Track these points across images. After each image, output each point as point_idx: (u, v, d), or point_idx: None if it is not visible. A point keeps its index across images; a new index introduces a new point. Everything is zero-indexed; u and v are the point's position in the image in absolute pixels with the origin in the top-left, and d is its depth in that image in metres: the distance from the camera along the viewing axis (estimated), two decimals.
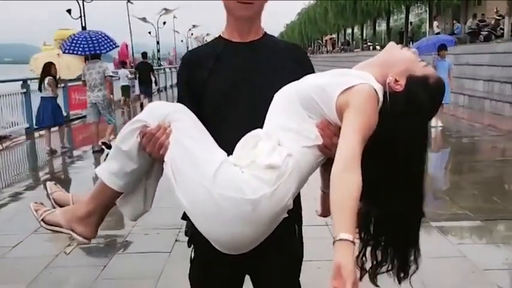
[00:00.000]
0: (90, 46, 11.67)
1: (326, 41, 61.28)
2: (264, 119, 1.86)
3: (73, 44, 11.98)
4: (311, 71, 2.03)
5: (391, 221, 1.79)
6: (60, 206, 2.10)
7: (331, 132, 1.77)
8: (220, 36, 2.10)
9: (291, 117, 1.80)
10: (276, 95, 1.87)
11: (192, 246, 2.11)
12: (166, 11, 52.28)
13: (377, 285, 1.83)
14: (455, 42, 13.42)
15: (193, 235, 2.01)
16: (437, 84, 1.83)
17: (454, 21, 28.58)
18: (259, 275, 2.10)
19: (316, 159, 1.82)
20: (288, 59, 2.04)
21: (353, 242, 1.46)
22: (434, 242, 4.94)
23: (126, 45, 23.63)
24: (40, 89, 11.33)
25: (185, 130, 1.84)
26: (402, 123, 1.74)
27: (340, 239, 1.44)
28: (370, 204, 1.77)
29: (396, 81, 1.78)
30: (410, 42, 34.01)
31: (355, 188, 1.54)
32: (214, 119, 1.97)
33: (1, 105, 13.54)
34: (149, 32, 53.82)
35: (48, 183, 2.22)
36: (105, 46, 11.99)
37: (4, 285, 4.34)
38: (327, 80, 1.81)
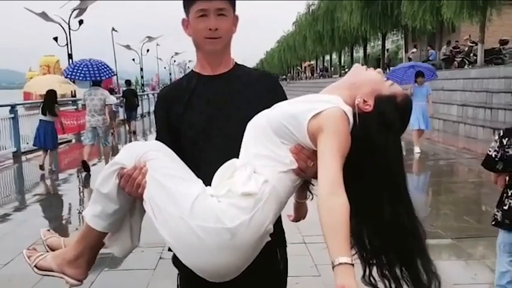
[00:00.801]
0: (91, 73, 12.18)
1: (305, 67, 62.12)
2: (239, 149, 1.89)
3: (75, 70, 12.51)
4: (283, 97, 2.08)
5: (385, 235, 1.79)
6: (54, 250, 2.15)
7: (305, 156, 1.80)
8: (192, 70, 2.17)
9: (264, 145, 1.82)
10: (248, 125, 1.89)
11: (177, 273, 2.15)
12: (150, 38, 52.74)
13: None
14: (434, 75, 13.53)
15: (179, 265, 1.99)
16: (405, 101, 1.87)
17: (429, 48, 29.35)
18: None
19: (293, 183, 1.84)
20: (259, 88, 2.07)
21: (352, 265, 1.48)
22: None
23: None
24: (44, 113, 12.04)
25: (160, 168, 1.86)
26: (375, 142, 1.77)
27: (340, 263, 1.47)
28: (360, 223, 1.77)
29: (365, 101, 1.82)
30: (387, 69, 34.86)
31: (344, 211, 1.56)
32: (192, 152, 2.02)
33: None
34: (133, 59, 54.27)
35: (42, 230, 2.26)
36: (105, 73, 12.59)
37: None
38: (296, 106, 1.84)
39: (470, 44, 23.60)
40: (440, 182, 9.85)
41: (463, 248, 5.60)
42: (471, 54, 22.87)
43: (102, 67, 12.59)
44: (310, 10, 53.08)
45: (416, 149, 11.94)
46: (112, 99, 12.12)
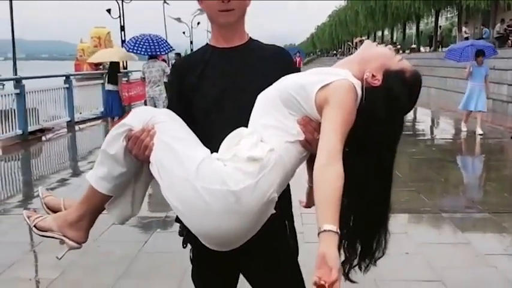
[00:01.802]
0: (152, 47, 13.08)
1: (356, 43, 61.22)
2: None
3: (136, 45, 13.40)
4: (296, 72, 2.06)
5: (364, 212, 1.82)
6: (51, 210, 2.15)
7: (312, 128, 1.80)
8: (207, 43, 2.16)
9: (273, 115, 1.83)
10: (258, 96, 1.90)
11: (190, 247, 2.14)
12: (201, 11, 52.72)
13: (352, 281, 1.85)
14: (495, 51, 13.11)
15: (187, 235, 2.03)
16: (414, 77, 1.86)
17: (482, 26, 28.60)
18: (252, 273, 2.12)
19: (300, 155, 1.84)
20: (273, 63, 2.06)
21: (337, 233, 1.50)
22: (445, 231, 5.52)
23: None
24: (109, 82, 13.46)
25: (168, 130, 1.88)
26: (381, 117, 1.78)
27: (324, 230, 1.49)
28: (347, 198, 1.72)
29: (373, 76, 1.82)
30: (440, 46, 34.13)
31: (337, 181, 1.58)
32: (203, 123, 2.01)
33: (45, 100, 14.36)
34: (183, 32, 54.75)
35: (40, 188, 2.28)
36: (164, 48, 13.64)
37: None
38: (305, 78, 1.85)
39: None
40: (485, 160, 9.85)
41: (498, 222, 5.73)
42: None
43: (162, 42, 13.53)
44: None
45: (478, 130, 11.52)
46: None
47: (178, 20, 52.03)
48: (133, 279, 4.49)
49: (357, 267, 1.86)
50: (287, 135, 1.80)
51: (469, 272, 4.50)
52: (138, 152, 1.87)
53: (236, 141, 1.82)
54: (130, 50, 13.88)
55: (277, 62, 2.08)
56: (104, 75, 14.29)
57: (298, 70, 2.08)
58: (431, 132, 13.92)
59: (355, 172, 1.72)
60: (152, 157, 1.85)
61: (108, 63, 14.57)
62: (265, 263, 2.06)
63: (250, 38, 2.13)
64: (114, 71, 13.78)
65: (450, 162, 9.43)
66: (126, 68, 25.74)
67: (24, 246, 5.21)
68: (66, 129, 14.90)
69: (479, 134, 11.44)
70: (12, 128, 12.33)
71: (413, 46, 44.03)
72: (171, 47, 14.46)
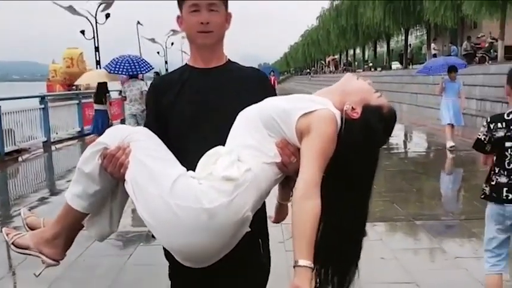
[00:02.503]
0: (132, 67, 13.57)
1: (329, 61, 62.08)
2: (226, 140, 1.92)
3: (117, 66, 13.76)
4: (273, 94, 2.13)
5: (338, 239, 1.84)
6: (33, 229, 2.16)
7: (289, 152, 1.84)
8: (186, 64, 2.21)
9: (251, 135, 1.85)
10: (239, 115, 1.93)
11: (168, 264, 2.16)
12: (174, 32, 53.31)
13: None
14: (466, 65, 13.42)
15: (166, 251, 2.03)
16: (390, 113, 1.94)
17: (451, 44, 29.39)
18: None
19: (275, 176, 1.87)
20: (250, 84, 2.11)
21: (311, 268, 1.62)
22: (418, 237, 5.77)
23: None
24: (97, 102, 14.24)
25: (143, 149, 1.89)
26: (356, 149, 1.83)
27: (299, 265, 1.61)
28: (323, 221, 1.77)
29: (353, 108, 1.88)
30: (410, 64, 34.86)
31: (313, 215, 1.66)
32: (179, 141, 2.03)
33: (21, 120, 14.34)
34: (158, 52, 55.03)
35: (22, 209, 2.30)
36: (144, 68, 14.10)
37: None
38: (288, 102, 1.89)
39: (491, 40, 23.65)
40: (456, 171, 10.16)
41: (468, 228, 5.98)
42: (492, 50, 22.92)
43: (142, 62, 14.03)
44: (334, 5, 53.19)
45: (450, 143, 11.61)
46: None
47: (153, 40, 52.41)
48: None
49: None
50: (264, 156, 1.83)
51: (441, 274, 4.74)
52: (113, 170, 1.88)
53: (213, 160, 1.83)
54: (112, 72, 14.09)
55: (253, 82, 2.13)
56: (93, 96, 14.95)
57: (274, 90, 2.20)
58: (404, 146, 14.23)
59: (331, 203, 1.76)
60: (127, 175, 1.86)
61: (81, 86, 15.26)
62: (236, 280, 2.07)
63: (229, 59, 2.19)
64: (101, 91, 14.37)
65: (422, 174, 9.71)
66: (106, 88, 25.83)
67: (9, 262, 5.28)
68: (42, 149, 14.89)
69: (450, 147, 11.62)
70: None
71: (385, 64, 44.93)
72: (151, 66, 14.75)
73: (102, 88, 14.47)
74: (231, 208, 1.74)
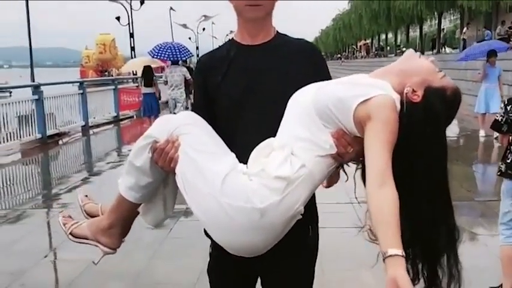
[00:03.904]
0: (174, 54, 14.78)
1: (360, 46, 61.79)
2: (274, 122, 1.86)
3: (160, 51, 15.13)
4: (326, 72, 2.03)
5: (419, 232, 1.72)
6: (90, 215, 2.20)
7: (345, 142, 1.76)
8: (232, 38, 2.11)
9: (305, 127, 1.77)
10: (290, 102, 1.85)
11: (210, 244, 2.12)
12: (206, 17, 53.83)
13: None
14: (509, 48, 12.94)
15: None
16: (454, 95, 1.80)
17: (484, 28, 29.04)
18: (271, 276, 2.09)
19: (328, 167, 1.81)
20: (300, 60, 2.01)
21: (403, 256, 1.46)
22: None
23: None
24: (146, 85, 14.90)
25: (193, 142, 1.85)
26: (418, 133, 1.71)
27: (390, 255, 1.45)
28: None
29: (414, 91, 1.74)
30: (443, 48, 34.52)
31: (394, 202, 1.54)
32: (227, 122, 1.99)
33: (61, 105, 14.96)
34: (189, 38, 55.61)
35: (79, 195, 2.31)
36: (184, 54, 15.37)
37: None
38: (344, 89, 1.78)
39: None
40: (483, 156, 10.37)
41: (491, 208, 6.18)
42: None
43: (183, 49, 15.28)
44: None
45: (482, 132, 11.52)
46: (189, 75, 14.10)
47: (184, 26, 52.94)
48: (164, 260, 5.06)
49: None
50: (319, 149, 1.76)
51: (461, 248, 5.00)
52: (163, 164, 1.87)
53: (265, 153, 1.79)
54: (155, 56, 15.42)
55: (304, 58, 2.02)
56: (140, 81, 15.76)
57: (326, 68, 2.06)
58: None
59: (406, 192, 1.64)
60: (177, 169, 1.85)
61: (113, 72, 16.02)
62: (281, 265, 2.03)
63: (278, 32, 2.07)
64: (148, 75, 15.18)
65: (450, 158, 9.89)
66: (135, 74, 26.49)
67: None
68: (81, 133, 15.49)
69: (484, 135, 11.45)
70: (32, 133, 12.88)
71: (417, 49, 44.53)
72: (191, 53, 15.88)
73: (148, 72, 15.27)
74: (282, 206, 1.72)
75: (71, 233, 2.11)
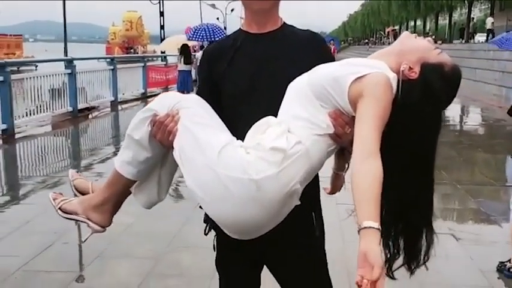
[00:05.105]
0: (208, 35, 16.03)
1: (388, 32, 61.23)
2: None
3: (196, 33, 16.35)
4: (329, 59, 1.99)
5: (403, 208, 1.75)
6: (81, 192, 2.16)
7: (343, 122, 1.75)
8: (240, 28, 2.12)
9: (303, 106, 1.77)
10: (289, 85, 1.85)
11: (214, 234, 2.12)
12: None
13: (394, 278, 1.77)
14: None
15: (210, 222, 2.03)
16: (453, 71, 1.77)
17: None
18: (275, 264, 2.10)
19: (327, 148, 1.79)
20: (306, 49, 2.01)
21: (378, 229, 1.44)
22: (457, 198, 6.31)
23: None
24: (186, 63, 16.11)
25: (192, 116, 1.85)
26: (417, 111, 1.70)
27: (365, 227, 1.44)
28: (384, 191, 1.60)
29: (410, 68, 1.74)
30: (472, 38, 34.19)
31: (377, 177, 1.53)
32: (231, 109, 1.99)
33: (92, 80, 15.35)
34: (217, 18, 55.71)
35: (70, 170, 2.29)
36: (218, 35, 16.27)
37: None
38: (339, 69, 1.77)
39: None
40: (503, 144, 10.42)
41: (507, 192, 6.37)
42: None
43: (217, 30, 16.41)
44: None
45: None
46: None
47: (213, 6, 52.97)
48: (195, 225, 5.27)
49: (402, 269, 1.80)
50: (316, 128, 1.75)
51: (474, 227, 5.37)
52: (162, 138, 1.86)
53: (263, 129, 1.78)
54: (190, 38, 16.59)
55: (310, 48, 2.03)
56: (179, 58, 16.74)
57: (332, 58, 2.04)
58: (456, 119, 14.44)
59: (392, 168, 1.64)
60: (175, 143, 1.84)
61: (139, 49, 16.95)
62: (288, 254, 2.03)
63: (284, 22, 2.09)
64: (186, 53, 16.22)
65: (470, 145, 10.06)
66: (163, 52, 26.83)
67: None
68: (109, 108, 15.88)
69: None
70: (64, 106, 13.29)
71: (445, 38, 44.09)
72: (225, 33, 16.44)
73: (186, 50, 16.20)
74: (279, 180, 1.69)
75: (60, 208, 2.08)
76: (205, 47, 18.96)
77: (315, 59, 1.93)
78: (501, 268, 4.16)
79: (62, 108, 13.20)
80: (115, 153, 9.17)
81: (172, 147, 1.85)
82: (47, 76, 13.01)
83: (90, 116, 14.31)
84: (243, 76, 1.99)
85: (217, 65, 2.04)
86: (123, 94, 17.48)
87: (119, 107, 16.33)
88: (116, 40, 62.01)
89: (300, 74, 1.85)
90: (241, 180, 1.69)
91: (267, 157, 1.70)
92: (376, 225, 1.45)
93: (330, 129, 1.75)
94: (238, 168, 1.70)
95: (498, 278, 4.13)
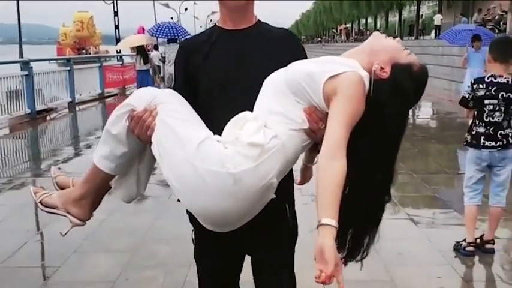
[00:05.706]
0: (172, 32, 16.66)
1: (340, 30, 62.20)
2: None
3: (159, 30, 16.93)
4: (303, 57, 2.03)
5: (362, 203, 1.81)
6: (61, 188, 2.18)
7: (317, 118, 1.79)
8: (215, 25, 2.14)
9: (279, 102, 1.81)
10: (265, 81, 1.88)
11: (192, 229, 2.17)
12: None
13: (360, 260, 1.88)
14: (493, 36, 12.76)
15: (189, 216, 2.08)
16: (421, 71, 1.85)
17: (461, 15, 29.78)
18: (254, 254, 2.15)
19: (303, 142, 1.84)
20: (280, 46, 2.05)
21: (335, 227, 1.52)
22: (414, 186, 6.67)
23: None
24: (145, 63, 16.21)
25: (170, 111, 1.86)
26: (387, 109, 1.77)
27: (323, 224, 1.52)
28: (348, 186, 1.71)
29: (382, 68, 1.80)
30: (421, 34, 35.17)
31: (339, 175, 1.59)
32: (207, 104, 2.00)
33: (49, 81, 15.19)
34: (171, 17, 55.46)
35: (52, 167, 2.31)
36: (181, 33, 16.89)
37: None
38: (314, 66, 1.82)
39: (501, 13, 24.03)
40: (454, 134, 10.88)
41: (461, 179, 6.77)
42: (501, 23, 23.34)
43: (180, 29, 17.14)
44: None
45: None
46: None
47: (167, 5, 52.79)
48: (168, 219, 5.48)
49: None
50: (292, 123, 1.80)
51: (433, 213, 5.73)
52: (140, 132, 1.87)
53: (240, 124, 1.81)
54: (153, 35, 17.13)
55: (284, 45, 2.07)
56: (136, 59, 16.72)
57: (305, 54, 2.09)
58: (410, 113, 14.99)
59: (357, 167, 1.72)
60: (154, 137, 1.85)
61: (91, 50, 17.19)
62: (262, 244, 2.08)
63: (259, 20, 2.11)
64: (144, 54, 16.40)
65: (424, 137, 10.48)
66: (119, 52, 26.69)
67: None
68: (67, 109, 15.76)
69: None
70: (22, 108, 13.15)
71: (396, 35, 45.19)
72: (188, 33, 17.10)
73: (143, 51, 16.45)
74: (256, 174, 1.73)
75: (40, 202, 2.10)
76: (159, 47, 19.93)
77: (289, 56, 1.98)
78: (457, 247, 4.49)
79: (19, 110, 13.08)
80: (76, 154, 9.31)
81: (151, 142, 1.87)
82: (2, 78, 12.85)
83: (48, 118, 14.22)
84: (218, 71, 2.02)
85: (192, 59, 2.07)
86: (80, 95, 17.37)
87: (77, 108, 16.24)
88: (66, 41, 60.86)
89: (274, 69, 1.90)
90: (219, 173, 1.72)
91: (245, 151, 1.74)
92: (334, 222, 1.53)
93: (305, 124, 1.80)
94: (217, 162, 1.74)
95: (455, 256, 4.45)
